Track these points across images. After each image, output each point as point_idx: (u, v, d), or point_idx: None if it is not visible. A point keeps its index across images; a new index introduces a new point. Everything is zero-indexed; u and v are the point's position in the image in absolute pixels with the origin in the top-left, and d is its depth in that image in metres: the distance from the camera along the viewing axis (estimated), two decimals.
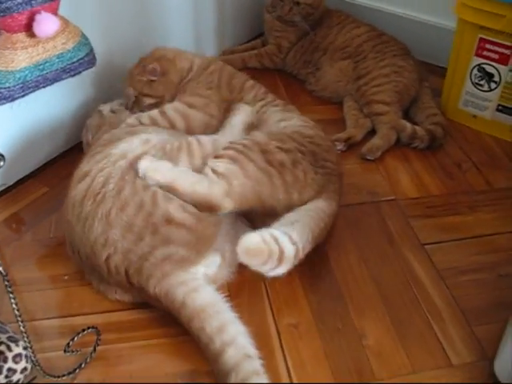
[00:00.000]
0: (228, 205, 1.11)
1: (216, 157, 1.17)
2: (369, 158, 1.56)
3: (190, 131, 1.35)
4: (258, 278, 1.10)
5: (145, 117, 1.36)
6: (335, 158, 1.31)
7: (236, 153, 1.17)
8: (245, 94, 1.44)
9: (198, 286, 1.07)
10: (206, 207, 1.11)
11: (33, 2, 1.21)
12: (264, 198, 1.16)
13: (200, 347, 1.02)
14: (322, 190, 1.23)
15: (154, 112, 1.37)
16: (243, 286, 1.19)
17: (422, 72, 1.76)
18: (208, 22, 1.92)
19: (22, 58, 1.25)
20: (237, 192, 1.12)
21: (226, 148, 1.19)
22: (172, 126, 1.35)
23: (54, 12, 1.27)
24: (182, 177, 1.12)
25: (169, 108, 1.38)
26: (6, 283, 0.81)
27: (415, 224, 1.35)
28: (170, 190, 1.10)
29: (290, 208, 1.18)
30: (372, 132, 1.64)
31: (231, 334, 0.99)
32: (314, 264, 1.24)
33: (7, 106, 1.29)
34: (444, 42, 1.78)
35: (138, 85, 1.46)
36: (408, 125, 1.59)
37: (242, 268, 1.12)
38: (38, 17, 1.22)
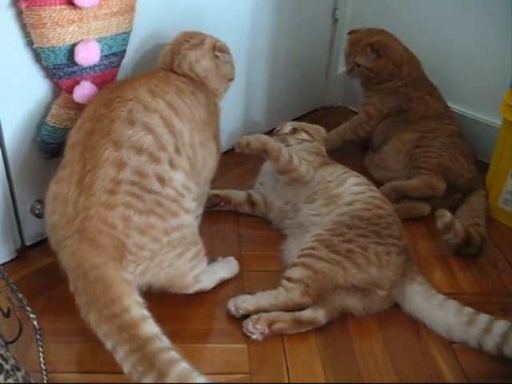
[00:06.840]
0: (308, 301, 1.29)
1: (292, 265, 1.34)
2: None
3: None
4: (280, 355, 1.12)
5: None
6: (398, 232, 1.38)
7: (306, 258, 1.33)
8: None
9: None
10: (294, 309, 1.29)
11: (96, 68, 1.30)
12: (337, 281, 1.30)
13: None
14: (403, 272, 1.33)
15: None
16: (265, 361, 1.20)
17: (478, 181, 1.77)
18: (258, 100, 1.99)
19: None
20: (314, 289, 1.29)
21: (299, 256, 1.35)
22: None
23: (112, 78, 1.35)
24: (264, 298, 1.30)
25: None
26: (38, 337, 0.83)
27: None
28: (260, 311, 1.28)
29: (375, 284, 1.31)
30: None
31: None
32: (337, 347, 1.25)
33: None
34: (488, 138, 1.80)
35: None
36: (449, 213, 1.52)
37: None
38: (81, 83, 1.30)
